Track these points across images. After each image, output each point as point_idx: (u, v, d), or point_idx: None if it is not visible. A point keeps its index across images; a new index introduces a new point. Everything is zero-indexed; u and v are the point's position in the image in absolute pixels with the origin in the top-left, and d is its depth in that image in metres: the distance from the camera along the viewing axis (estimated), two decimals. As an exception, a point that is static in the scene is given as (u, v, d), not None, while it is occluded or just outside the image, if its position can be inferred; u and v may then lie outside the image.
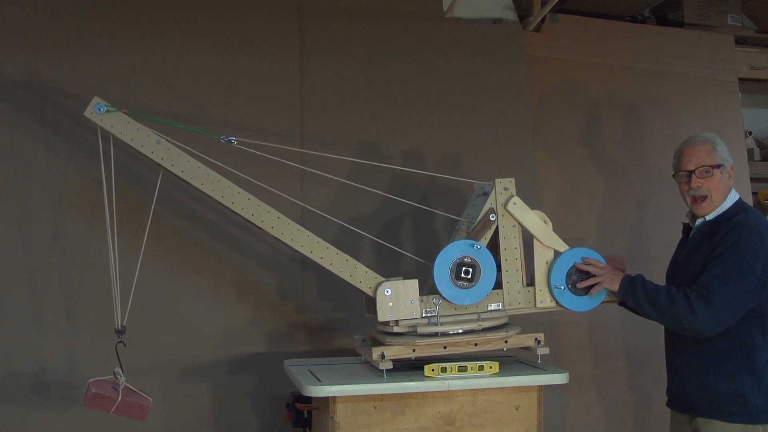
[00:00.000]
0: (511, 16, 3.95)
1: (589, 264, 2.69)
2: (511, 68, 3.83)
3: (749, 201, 4.22)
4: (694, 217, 2.74)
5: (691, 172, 2.66)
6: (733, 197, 2.68)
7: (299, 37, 3.53)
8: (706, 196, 2.65)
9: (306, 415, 2.77)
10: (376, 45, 3.63)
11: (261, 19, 3.47)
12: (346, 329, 3.36)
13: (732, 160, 2.71)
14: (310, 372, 2.68)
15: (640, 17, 4.35)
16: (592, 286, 2.69)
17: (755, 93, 4.65)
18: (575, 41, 4.04)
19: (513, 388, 2.57)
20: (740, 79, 4.37)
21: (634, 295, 2.61)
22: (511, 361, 2.74)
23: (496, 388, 2.56)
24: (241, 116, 3.27)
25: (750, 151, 4.45)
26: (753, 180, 4.33)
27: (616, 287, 2.65)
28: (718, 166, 2.64)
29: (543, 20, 3.96)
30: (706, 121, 4.22)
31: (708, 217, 2.67)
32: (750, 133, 4.59)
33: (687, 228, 2.82)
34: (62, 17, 3.22)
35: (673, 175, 2.75)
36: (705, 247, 2.61)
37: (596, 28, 4.11)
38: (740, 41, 4.43)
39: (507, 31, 3.89)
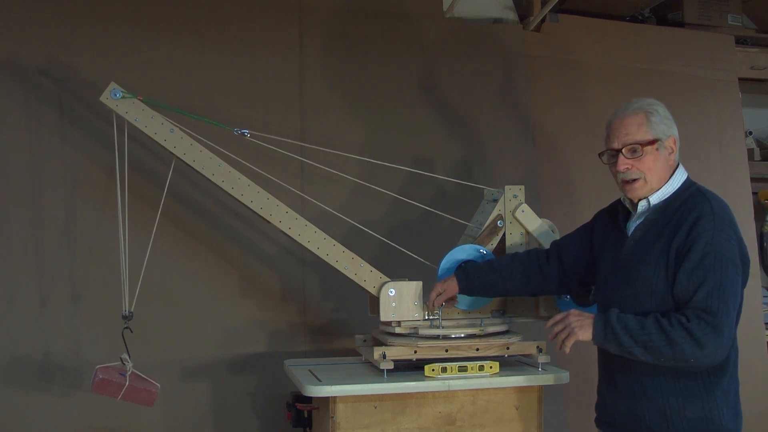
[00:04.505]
0: (511, 16, 3.95)
1: (553, 324, 2.21)
2: (511, 68, 3.84)
3: (749, 201, 4.23)
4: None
5: (618, 151, 2.20)
6: (681, 175, 2.24)
7: (299, 37, 3.53)
8: (638, 179, 2.20)
9: (306, 415, 2.77)
10: (376, 45, 3.63)
11: (261, 19, 3.47)
12: (346, 330, 3.36)
13: (676, 131, 2.23)
14: (311, 372, 2.69)
15: (640, 17, 4.36)
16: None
17: (755, 93, 4.66)
18: (575, 41, 4.05)
19: (513, 388, 2.57)
20: (740, 79, 4.38)
21: (616, 341, 2.10)
22: (511, 361, 2.74)
23: (496, 388, 2.56)
24: (240, 116, 3.27)
25: (750, 151, 4.45)
26: (753, 180, 4.33)
27: (588, 335, 2.14)
28: (652, 142, 2.18)
29: (543, 20, 3.96)
30: (706, 121, 4.23)
31: (653, 200, 2.22)
32: (750, 133, 4.59)
33: (613, 214, 2.38)
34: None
35: (600, 155, 2.29)
36: (661, 244, 2.15)
37: (596, 28, 4.12)
38: (740, 41, 4.44)
39: (507, 31, 3.89)
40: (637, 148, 2.18)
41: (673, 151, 2.22)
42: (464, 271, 2.60)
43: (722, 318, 2.02)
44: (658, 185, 2.21)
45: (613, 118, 2.25)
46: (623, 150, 2.19)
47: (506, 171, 3.67)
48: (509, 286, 2.58)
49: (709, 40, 4.33)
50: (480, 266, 2.61)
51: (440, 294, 2.60)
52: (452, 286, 2.59)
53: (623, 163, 2.19)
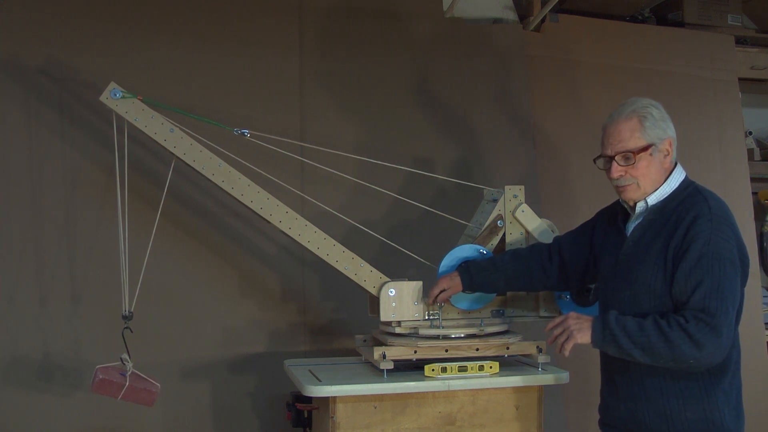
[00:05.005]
0: (511, 16, 3.95)
1: (552, 327, 2.22)
2: (511, 68, 3.84)
3: (749, 201, 4.23)
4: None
5: (612, 158, 2.20)
6: (679, 175, 2.22)
7: (299, 37, 3.53)
8: (630, 184, 2.20)
9: (306, 415, 2.77)
10: (376, 45, 3.63)
11: (261, 19, 3.47)
12: (346, 330, 3.36)
13: (673, 131, 2.21)
14: (311, 372, 2.69)
15: (640, 17, 4.36)
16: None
17: (755, 93, 4.65)
18: (575, 41, 4.04)
19: (513, 388, 2.57)
20: (740, 79, 4.38)
21: (615, 343, 2.10)
22: (511, 361, 2.74)
23: (496, 388, 2.56)
24: (240, 116, 3.27)
25: (750, 151, 4.45)
26: (753, 180, 4.33)
27: (587, 338, 2.14)
28: (645, 148, 2.16)
29: (543, 20, 3.96)
30: (706, 121, 4.23)
31: (651, 201, 2.21)
32: (750, 133, 4.59)
33: (613, 214, 2.37)
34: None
35: (595, 160, 2.29)
36: (659, 244, 2.14)
37: (596, 28, 4.12)
38: (740, 41, 4.44)
39: (507, 31, 3.89)
40: (629, 156, 2.17)
41: (668, 153, 2.21)
42: (466, 269, 2.61)
43: (721, 318, 2.01)
44: (653, 188, 2.20)
45: (608, 123, 2.24)
46: (616, 157, 2.19)
47: (506, 171, 3.67)
48: (511, 283, 2.60)
49: (709, 40, 4.32)
50: (482, 264, 2.61)
51: (444, 291, 2.61)
52: (457, 283, 2.60)
53: (616, 170, 2.19)
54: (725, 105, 4.28)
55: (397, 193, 3.12)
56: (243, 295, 3.31)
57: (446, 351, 2.57)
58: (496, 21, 3.93)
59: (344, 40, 3.59)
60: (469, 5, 3.86)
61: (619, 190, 2.24)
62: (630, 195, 2.22)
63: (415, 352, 2.56)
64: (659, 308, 2.12)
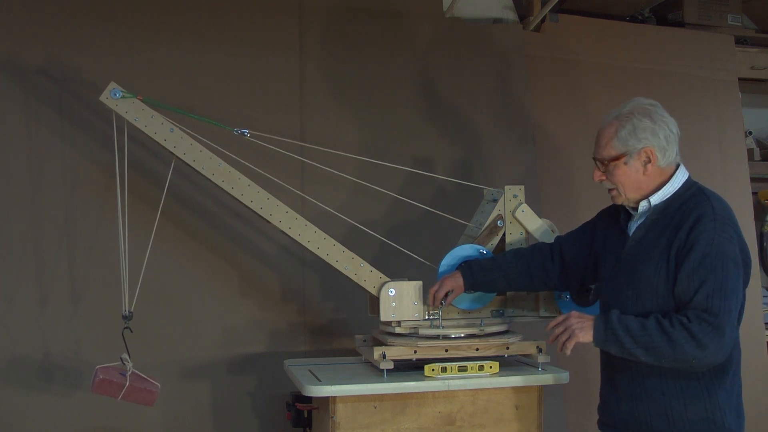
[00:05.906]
0: (511, 16, 3.95)
1: (554, 326, 2.21)
2: (511, 68, 3.84)
3: (749, 201, 4.23)
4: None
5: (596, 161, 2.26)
6: (681, 176, 2.22)
7: (299, 37, 3.53)
8: (613, 189, 2.24)
9: (306, 415, 2.77)
10: (377, 45, 3.63)
11: (261, 19, 3.48)
12: (346, 330, 3.36)
13: (661, 138, 2.17)
14: (311, 372, 2.69)
15: (640, 17, 4.36)
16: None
17: (755, 93, 4.66)
18: (575, 41, 4.04)
19: (513, 388, 2.57)
20: (740, 79, 4.38)
21: (617, 342, 2.09)
22: (511, 361, 2.74)
23: (496, 388, 2.56)
24: (240, 116, 3.27)
25: (750, 151, 4.45)
26: (753, 180, 4.33)
27: (589, 337, 2.13)
28: (617, 158, 2.19)
29: (543, 20, 3.96)
30: (706, 121, 4.23)
31: (654, 201, 2.21)
32: (750, 133, 4.59)
33: (615, 213, 2.37)
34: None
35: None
36: (662, 244, 2.14)
37: (596, 28, 4.12)
38: (740, 41, 4.44)
39: (507, 31, 3.89)
40: (604, 162, 2.23)
41: (650, 161, 2.18)
42: (468, 268, 2.61)
43: (724, 318, 2.01)
44: (636, 195, 2.22)
45: (601, 124, 2.29)
46: (597, 162, 2.26)
47: (506, 171, 3.67)
48: (512, 282, 2.61)
49: (709, 40, 4.32)
50: (483, 264, 2.62)
51: (450, 292, 2.61)
52: (460, 283, 2.61)
53: (597, 174, 2.26)
54: (725, 105, 4.28)
55: (397, 193, 3.12)
56: (243, 295, 3.31)
57: (446, 351, 2.57)
58: (496, 21, 3.93)
59: (344, 40, 3.59)
60: (469, 5, 3.86)
61: (610, 193, 2.29)
62: (615, 200, 2.28)
63: (415, 352, 2.56)
64: (662, 308, 2.12)
